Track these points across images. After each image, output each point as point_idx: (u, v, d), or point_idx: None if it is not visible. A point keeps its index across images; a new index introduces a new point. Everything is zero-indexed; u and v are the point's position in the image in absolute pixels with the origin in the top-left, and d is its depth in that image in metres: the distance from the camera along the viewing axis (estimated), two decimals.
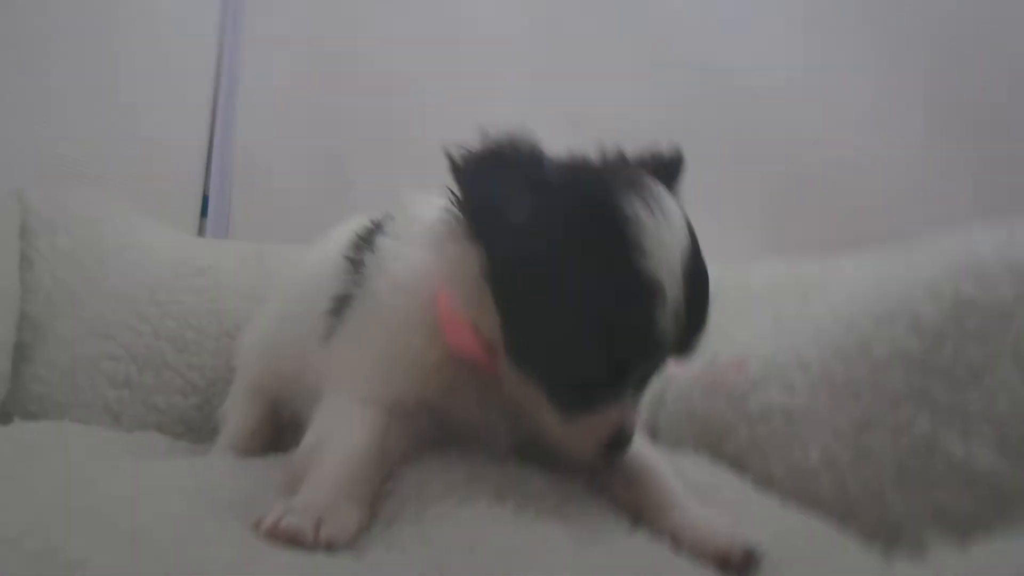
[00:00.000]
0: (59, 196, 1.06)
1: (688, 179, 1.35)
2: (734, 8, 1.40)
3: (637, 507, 0.60)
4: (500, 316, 0.57)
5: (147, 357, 0.97)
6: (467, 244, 0.58)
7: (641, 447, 0.63)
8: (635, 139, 1.37)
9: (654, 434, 1.05)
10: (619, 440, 0.58)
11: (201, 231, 1.53)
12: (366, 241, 0.71)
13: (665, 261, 0.53)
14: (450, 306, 0.61)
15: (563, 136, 1.50)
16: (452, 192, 0.59)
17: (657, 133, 1.36)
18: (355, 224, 0.77)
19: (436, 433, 0.63)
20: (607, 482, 0.63)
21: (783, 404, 0.76)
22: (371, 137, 1.51)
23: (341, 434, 0.59)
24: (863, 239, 1.26)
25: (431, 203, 0.64)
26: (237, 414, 0.85)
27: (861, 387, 0.68)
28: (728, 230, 1.36)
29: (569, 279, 0.54)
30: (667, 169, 0.67)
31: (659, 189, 0.58)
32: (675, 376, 0.93)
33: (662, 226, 0.54)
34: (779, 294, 0.97)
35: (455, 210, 0.59)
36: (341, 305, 0.68)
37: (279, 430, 0.85)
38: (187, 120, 1.51)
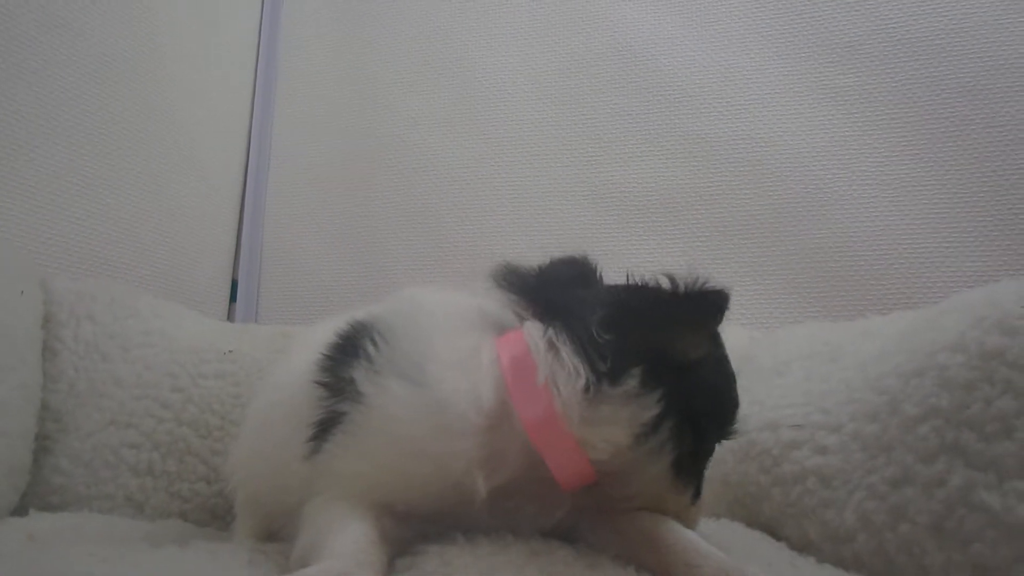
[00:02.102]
0: (84, 285, 1.13)
1: (719, 248, 1.42)
2: (757, 84, 1.49)
3: (667, 569, 0.63)
4: (682, 438, 0.66)
5: (170, 444, 1.01)
6: (642, 395, 0.64)
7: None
8: (661, 212, 1.45)
9: None
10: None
11: (230, 316, 1.61)
12: (348, 354, 0.69)
13: None
14: (556, 430, 0.63)
15: (586, 210, 1.57)
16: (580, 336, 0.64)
17: (683, 204, 1.45)
18: (326, 332, 0.74)
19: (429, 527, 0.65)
20: (633, 551, 0.65)
21: (816, 466, 0.78)
22: (400, 218, 1.60)
23: (338, 526, 0.60)
24: (891, 301, 1.30)
25: (456, 308, 0.72)
26: (243, 528, 0.84)
27: (893, 445, 0.71)
28: (759, 296, 1.42)
29: (724, 406, 0.70)
30: (712, 303, 0.72)
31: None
32: None
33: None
34: (809, 358, 1.00)
35: (603, 358, 0.63)
36: (325, 428, 0.67)
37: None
38: (217, 205, 1.62)
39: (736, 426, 0.71)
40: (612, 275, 1.46)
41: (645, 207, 1.51)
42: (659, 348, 0.65)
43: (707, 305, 0.68)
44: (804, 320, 1.28)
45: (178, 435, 1.01)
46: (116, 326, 1.09)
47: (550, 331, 0.65)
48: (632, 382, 0.63)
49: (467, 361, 0.66)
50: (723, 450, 0.99)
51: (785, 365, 1.03)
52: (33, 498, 0.95)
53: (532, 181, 1.57)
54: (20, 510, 0.92)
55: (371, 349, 0.67)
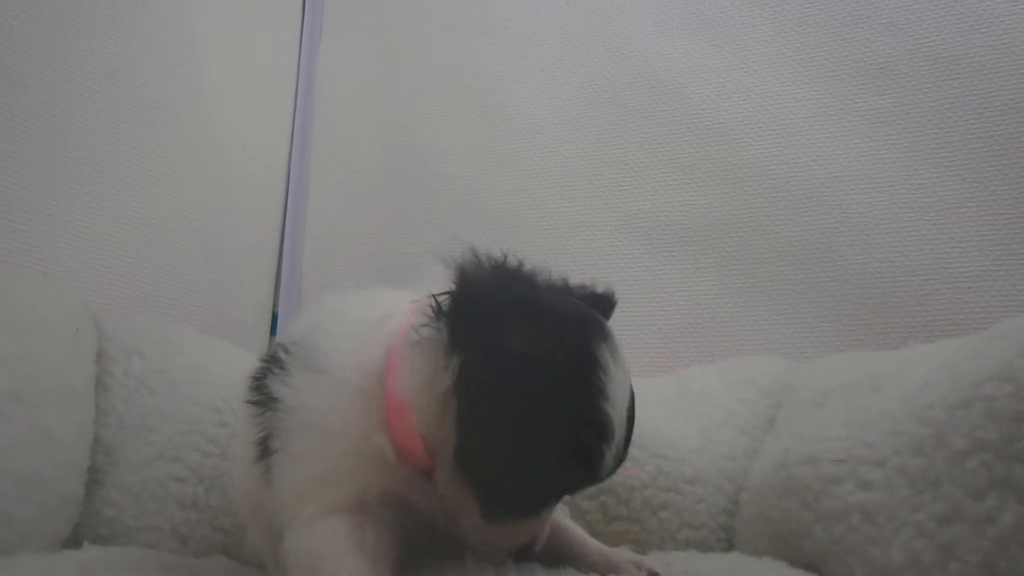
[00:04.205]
0: (134, 322, 1.17)
1: (755, 276, 1.41)
2: (789, 109, 1.48)
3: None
4: (462, 426, 0.61)
5: (214, 479, 1.03)
6: (446, 356, 0.62)
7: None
8: (694, 241, 1.45)
9: (730, 540, 1.04)
10: (531, 547, 0.69)
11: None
12: (268, 369, 0.72)
13: (619, 408, 0.62)
14: (404, 412, 0.64)
15: (618, 240, 1.57)
16: (439, 303, 0.64)
17: (716, 233, 1.45)
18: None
19: (406, 524, 0.66)
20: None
21: (860, 502, 0.77)
22: (434, 250, 1.61)
23: (324, 552, 0.62)
24: (935, 328, 1.27)
25: (371, 304, 0.71)
26: (268, 560, 0.84)
27: (941, 480, 0.69)
28: (797, 325, 1.40)
29: (543, 409, 0.61)
30: (603, 307, 0.74)
31: (616, 338, 0.66)
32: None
33: (621, 375, 0.63)
34: (850, 388, 0.99)
35: (436, 321, 0.63)
36: (266, 444, 0.69)
37: None
38: (257, 240, 1.67)
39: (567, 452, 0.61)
40: (642, 305, 1.47)
41: (677, 236, 1.50)
42: (483, 326, 0.62)
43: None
44: (844, 349, 1.26)
45: (222, 470, 1.03)
46: (164, 362, 1.12)
47: (421, 298, 0.65)
48: (441, 340, 0.62)
49: (365, 338, 0.68)
50: (763, 485, 0.99)
51: (825, 396, 1.02)
52: (85, 529, 0.98)
53: (563, 212, 1.58)
54: (72, 541, 0.95)
55: (282, 355, 0.70)
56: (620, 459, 0.65)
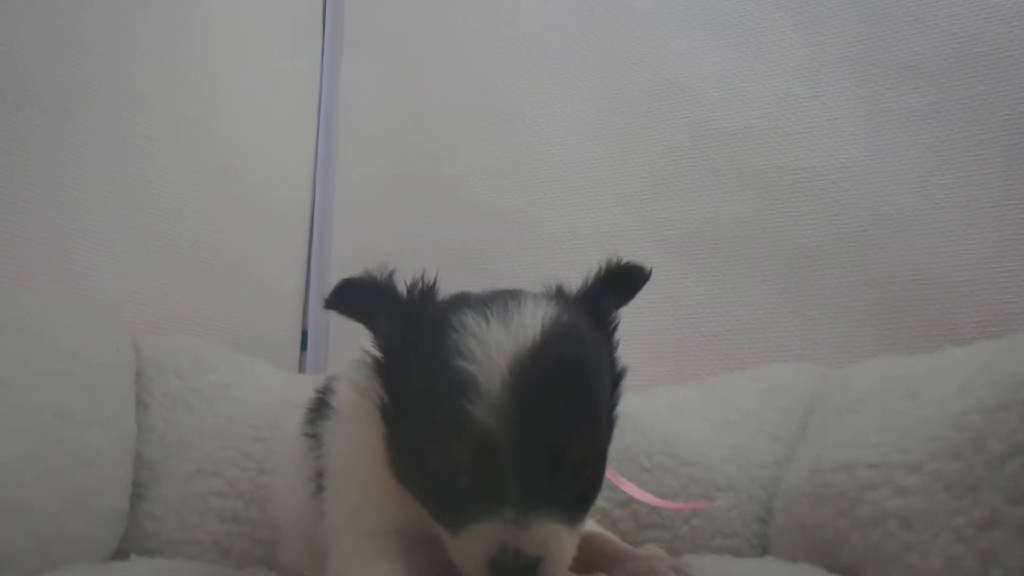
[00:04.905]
0: (170, 342, 1.21)
1: (784, 282, 1.40)
2: (814, 111, 1.47)
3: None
4: (386, 442, 0.66)
5: (252, 492, 1.06)
6: (375, 381, 0.67)
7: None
8: (721, 248, 1.45)
9: (764, 547, 1.04)
10: (508, 562, 0.56)
11: (301, 365, 1.69)
12: (321, 405, 0.80)
13: (485, 360, 0.57)
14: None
15: (644, 249, 1.58)
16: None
17: (743, 239, 1.44)
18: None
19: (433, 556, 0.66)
20: None
21: (897, 508, 0.77)
22: (459, 264, 1.64)
23: (370, 562, 0.65)
24: (971, 331, 1.26)
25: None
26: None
27: (979, 485, 0.69)
28: (828, 331, 1.39)
29: (412, 390, 0.62)
30: (630, 279, 0.75)
31: (518, 304, 0.62)
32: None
33: (492, 332, 0.59)
34: (884, 393, 0.98)
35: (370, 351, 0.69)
36: (320, 480, 0.76)
37: None
38: (285, 258, 1.71)
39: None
40: (670, 313, 1.47)
41: (704, 243, 1.51)
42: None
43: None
44: (877, 354, 1.25)
45: (259, 483, 1.06)
46: (199, 381, 1.16)
47: None
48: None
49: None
50: (797, 492, 0.99)
51: (858, 402, 1.01)
52: (130, 542, 1.02)
53: (587, 223, 1.59)
54: (120, 554, 0.99)
55: (327, 398, 0.77)
56: (530, 419, 0.57)
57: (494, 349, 0.58)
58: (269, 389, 1.19)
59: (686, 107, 1.57)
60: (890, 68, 1.43)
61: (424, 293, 0.68)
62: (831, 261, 1.41)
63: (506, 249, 1.62)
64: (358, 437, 0.70)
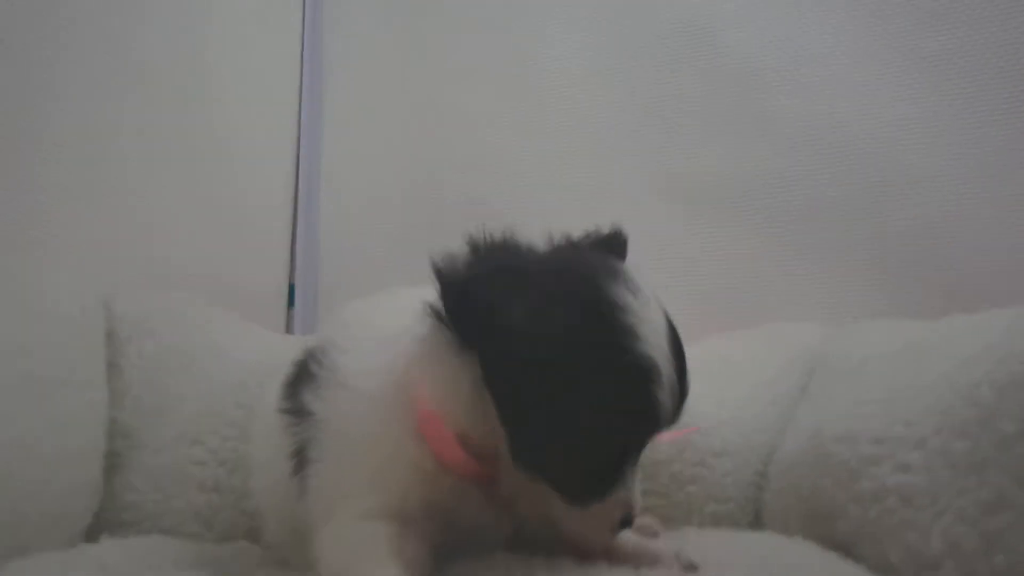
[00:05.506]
0: (146, 300, 1.16)
1: (795, 236, 1.35)
2: (833, 57, 1.40)
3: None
4: (503, 421, 0.61)
5: (235, 461, 1.03)
6: (459, 354, 0.62)
7: None
8: (732, 199, 1.40)
9: (758, 516, 1.03)
10: (627, 519, 0.65)
11: (289, 321, 1.64)
12: (305, 375, 0.74)
13: (656, 343, 0.60)
14: (434, 420, 0.64)
15: (655, 199, 1.52)
16: (436, 302, 0.63)
17: (755, 191, 1.39)
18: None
19: (446, 534, 0.66)
20: None
21: (898, 484, 0.74)
22: (461, 217, 1.53)
23: (361, 555, 0.61)
24: (988, 295, 1.21)
25: (386, 311, 0.72)
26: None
27: (987, 465, 0.66)
28: (836, 288, 1.36)
29: (573, 374, 0.58)
30: (614, 248, 0.74)
31: (633, 272, 0.64)
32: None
33: (647, 309, 0.61)
34: (889, 360, 0.95)
35: (439, 320, 0.63)
36: (303, 455, 0.71)
37: None
38: (269, 207, 1.63)
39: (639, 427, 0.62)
40: (672, 268, 1.43)
41: (712, 195, 1.45)
42: (482, 314, 0.60)
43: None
44: (888, 315, 1.21)
45: (243, 452, 1.03)
46: (179, 342, 1.12)
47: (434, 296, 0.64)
48: (450, 342, 0.62)
49: (381, 353, 0.69)
50: (795, 459, 0.96)
51: (861, 365, 0.98)
52: (108, 514, 0.99)
53: (597, 173, 1.53)
54: (93, 530, 0.96)
55: (314, 367, 0.72)
56: (682, 393, 0.63)
57: (658, 331, 0.60)
58: (253, 351, 1.15)
59: (700, 52, 1.49)
60: (915, 9, 1.35)
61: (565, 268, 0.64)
62: (843, 214, 1.36)
63: (512, 201, 1.56)
64: (383, 409, 0.66)
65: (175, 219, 1.37)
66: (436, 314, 0.63)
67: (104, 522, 0.98)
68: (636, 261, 0.74)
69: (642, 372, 0.58)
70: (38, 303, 0.96)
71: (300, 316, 1.65)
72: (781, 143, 1.42)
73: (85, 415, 0.96)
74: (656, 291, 0.64)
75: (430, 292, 0.66)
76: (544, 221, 1.49)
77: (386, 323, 0.71)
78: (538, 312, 0.58)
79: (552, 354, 0.58)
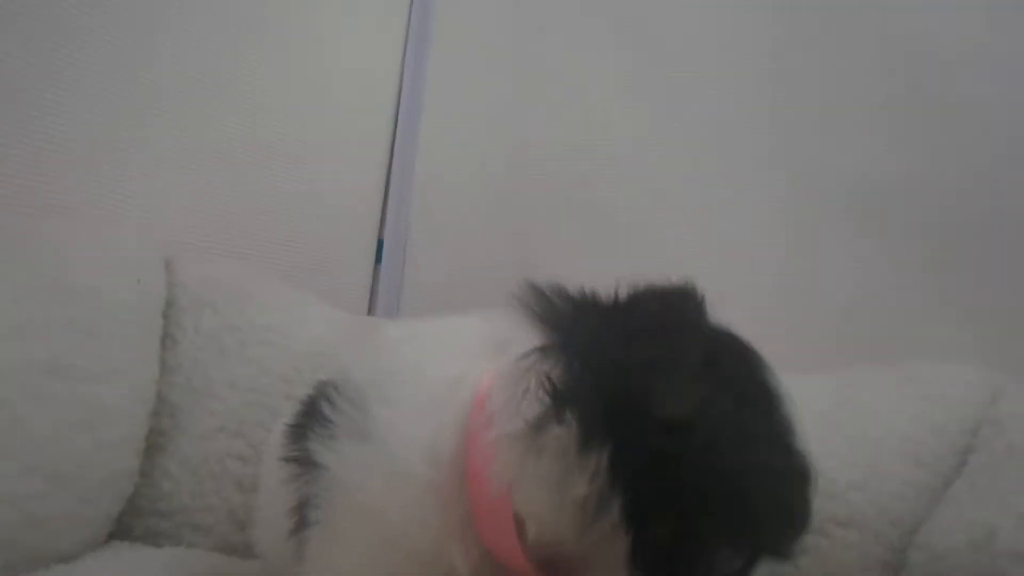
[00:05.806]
0: (210, 268, 1.08)
1: (960, 257, 1.14)
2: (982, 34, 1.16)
3: None
4: (627, 528, 0.48)
5: None
6: (580, 455, 0.48)
7: None
8: (879, 204, 1.20)
9: None
10: None
11: (375, 277, 1.60)
12: (314, 417, 0.59)
13: (806, 445, 0.51)
14: (503, 519, 0.51)
15: (786, 199, 1.32)
16: (552, 383, 0.50)
17: (915, 196, 1.17)
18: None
19: None
20: None
21: None
22: (558, 194, 1.46)
23: None
24: None
25: (441, 349, 0.59)
26: None
27: None
28: (1010, 327, 1.14)
29: (739, 481, 0.49)
30: (696, 306, 0.58)
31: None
32: None
33: (791, 406, 0.52)
34: None
35: (554, 408, 0.49)
36: (303, 514, 0.58)
37: None
38: (363, 160, 1.57)
39: (786, 542, 0.50)
40: (800, 285, 1.24)
41: (851, 200, 1.24)
42: (622, 392, 0.49)
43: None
44: None
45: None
46: (238, 317, 1.03)
47: (531, 358, 0.51)
48: (570, 429, 0.48)
49: (438, 399, 0.55)
50: (949, 562, 0.77)
51: None
52: (144, 501, 0.93)
53: (720, 161, 1.34)
54: (124, 517, 0.90)
55: (327, 409, 0.57)
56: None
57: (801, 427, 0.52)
58: (315, 337, 1.05)
59: (862, 22, 1.25)
60: None
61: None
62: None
63: (617, 186, 1.41)
64: (430, 492, 0.53)
65: (260, 176, 1.30)
66: (553, 395, 0.49)
67: (137, 508, 0.92)
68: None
69: (804, 478, 0.50)
70: (84, 280, 0.87)
71: (386, 273, 1.59)
72: (957, 136, 1.19)
73: (124, 402, 0.88)
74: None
75: (516, 336, 0.54)
76: (650, 213, 1.35)
77: (429, 373, 0.57)
78: (701, 403, 0.49)
79: (710, 455, 0.48)
